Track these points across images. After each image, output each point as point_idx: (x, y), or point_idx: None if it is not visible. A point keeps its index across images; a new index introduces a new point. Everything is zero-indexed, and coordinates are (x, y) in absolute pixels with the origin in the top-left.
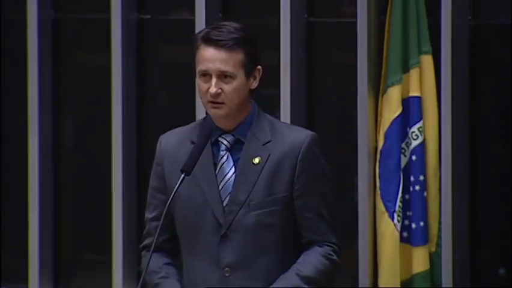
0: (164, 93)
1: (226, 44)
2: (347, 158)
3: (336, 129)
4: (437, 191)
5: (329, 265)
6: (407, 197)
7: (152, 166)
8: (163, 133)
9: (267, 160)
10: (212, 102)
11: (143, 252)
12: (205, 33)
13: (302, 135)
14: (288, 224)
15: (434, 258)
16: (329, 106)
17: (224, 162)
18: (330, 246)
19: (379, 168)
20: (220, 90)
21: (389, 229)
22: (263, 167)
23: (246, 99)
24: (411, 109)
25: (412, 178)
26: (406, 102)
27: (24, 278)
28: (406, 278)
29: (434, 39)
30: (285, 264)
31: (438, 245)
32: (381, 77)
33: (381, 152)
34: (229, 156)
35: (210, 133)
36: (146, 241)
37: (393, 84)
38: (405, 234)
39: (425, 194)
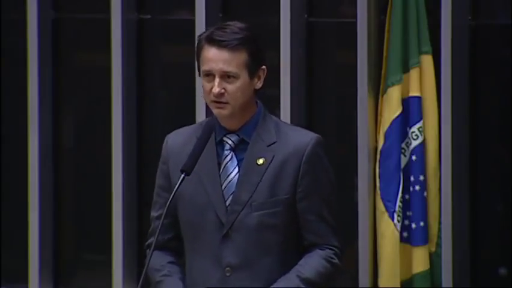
0: (164, 93)
1: (229, 44)
2: (347, 158)
3: (336, 129)
4: (437, 191)
5: (330, 268)
6: (407, 197)
7: (152, 165)
8: (163, 133)
9: (271, 161)
10: (216, 102)
11: (148, 251)
12: (209, 33)
13: (307, 137)
14: (290, 225)
15: (434, 258)
16: (329, 106)
17: (228, 162)
18: (332, 249)
19: (379, 168)
20: (223, 90)
21: (389, 229)
22: (267, 168)
23: (250, 99)
24: (411, 109)
25: (412, 178)
26: (406, 102)
27: (24, 278)
28: (406, 278)
29: (434, 39)
30: (286, 265)
31: (439, 245)
32: (381, 77)
33: (381, 152)
34: (234, 156)
35: (210, 133)
36: (151, 239)
37: (393, 84)
38: (405, 234)
39: (425, 194)
